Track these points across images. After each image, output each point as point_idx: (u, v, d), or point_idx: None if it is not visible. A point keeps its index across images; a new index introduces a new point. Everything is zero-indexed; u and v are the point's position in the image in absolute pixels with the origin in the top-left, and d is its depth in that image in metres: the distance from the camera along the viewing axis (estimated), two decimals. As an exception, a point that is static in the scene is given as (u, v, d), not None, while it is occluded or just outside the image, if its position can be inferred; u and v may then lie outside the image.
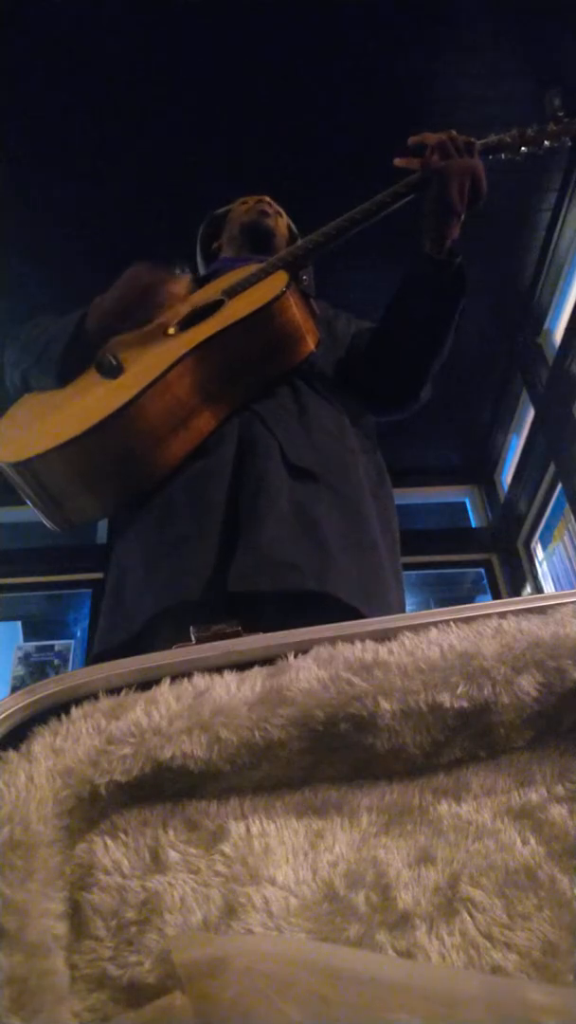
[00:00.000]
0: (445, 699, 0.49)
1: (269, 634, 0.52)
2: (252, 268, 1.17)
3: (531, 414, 4.18)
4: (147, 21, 2.75)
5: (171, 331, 1.10)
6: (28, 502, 1.06)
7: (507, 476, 4.66)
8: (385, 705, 0.48)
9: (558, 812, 0.49)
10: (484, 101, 3.08)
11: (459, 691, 0.49)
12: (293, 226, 1.51)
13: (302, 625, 0.52)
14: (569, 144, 1.18)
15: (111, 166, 3.20)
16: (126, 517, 1.07)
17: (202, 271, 1.50)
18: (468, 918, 0.44)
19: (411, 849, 0.47)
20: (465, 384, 4.35)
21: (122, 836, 0.45)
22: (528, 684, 0.50)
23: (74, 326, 1.12)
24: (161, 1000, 0.37)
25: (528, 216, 3.56)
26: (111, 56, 2.83)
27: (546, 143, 1.22)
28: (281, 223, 1.46)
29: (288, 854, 0.46)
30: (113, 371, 1.06)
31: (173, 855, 0.45)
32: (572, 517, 3.75)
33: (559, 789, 0.50)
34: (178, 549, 0.96)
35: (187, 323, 1.11)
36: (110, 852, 0.44)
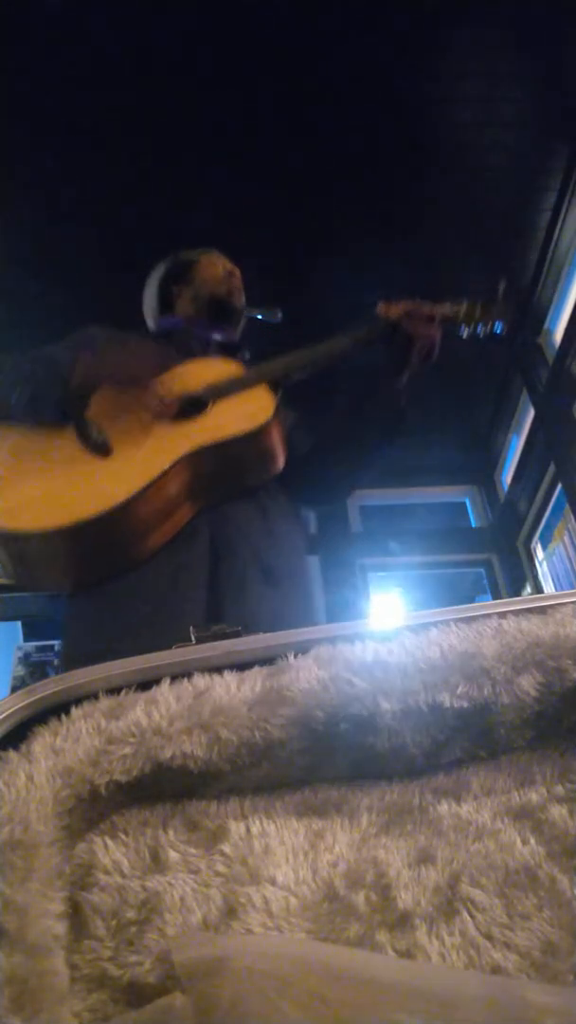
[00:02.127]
0: (445, 699, 0.49)
1: (269, 634, 0.52)
2: (227, 366, 1.24)
3: (531, 414, 4.19)
4: (147, 18, 2.75)
5: (157, 417, 1.14)
6: None
7: (507, 476, 4.66)
8: (385, 705, 0.48)
9: (558, 812, 0.49)
10: (484, 101, 3.08)
11: (459, 691, 0.49)
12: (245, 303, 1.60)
13: None
14: (504, 329, 1.34)
15: (109, 165, 3.20)
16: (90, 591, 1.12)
17: (153, 309, 1.56)
18: (468, 918, 0.44)
19: (411, 849, 0.47)
20: (465, 384, 4.35)
21: (122, 836, 0.45)
22: (528, 684, 0.50)
23: (64, 372, 1.13)
24: (161, 1000, 0.37)
25: (528, 216, 3.56)
26: (111, 53, 2.83)
27: (487, 325, 1.35)
28: (242, 298, 1.55)
29: (288, 854, 0.46)
30: (100, 448, 1.08)
31: (173, 855, 0.45)
32: (572, 517, 3.75)
33: (559, 789, 0.50)
34: (155, 626, 1.01)
35: (176, 414, 1.15)
36: (110, 852, 0.44)
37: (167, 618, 1.02)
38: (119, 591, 1.06)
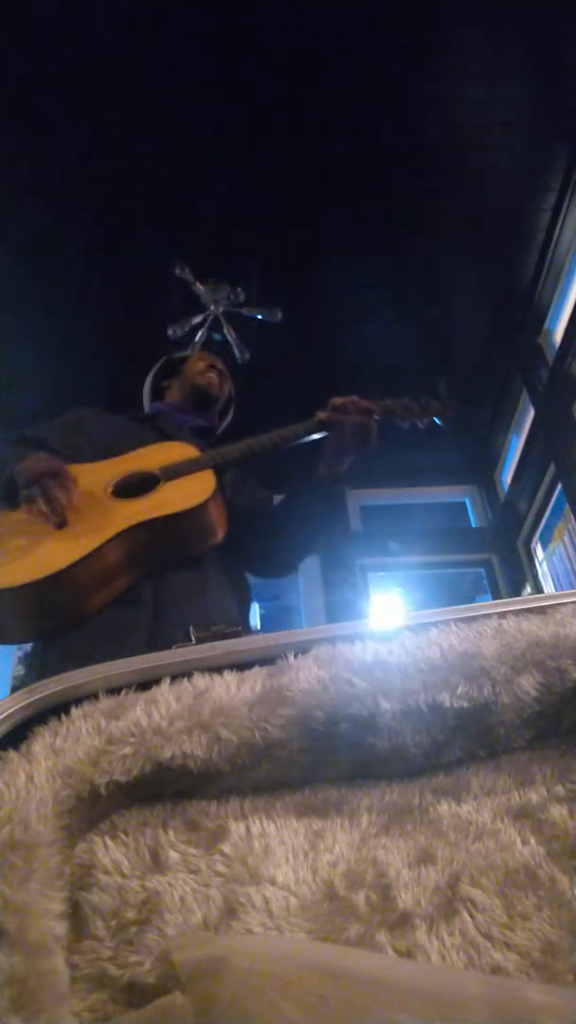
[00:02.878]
0: (445, 699, 0.49)
1: (269, 634, 0.52)
2: (186, 450, 1.39)
3: (531, 414, 4.19)
4: (148, 18, 2.75)
5: (109, 490, 1.31)
6: None
7: (507, 476, 4.66)
8: (385, 705, 0.48)
9: (558, 812, 0.49)
10: (484, 101, 3.08)
11: (459, 691, 0.49)
12: (232, 389, 1.78)
13: None
14: (439, 424, 1.47)
15: (110, 165, 3.20)
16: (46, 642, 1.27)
17: (147, 400, 1.76)
18: (468, 918, 0.43)
19: (411, 849, 0.47)
20: (465, 384, 4.35)
21: (122, 836, 0.45)
22: (528, 684, 0.50)
23: (9, 470, 1.29)
24: (161, 1000, 0.37)
25: (528, 216, 3.56)
26: (111, 53, 2.83)
27: (424, 421, 1.50)
28: (226, 387, 1.73)
29: (288, 854, 0.46)
30: (57, 523, 1.25)
31: (173, 855, 0.44)
32: (572, 517, 3.75)
33: (559, 789, 0.50)
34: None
35: (124, 490, 1.31)
36: (110, 852, 0.44)
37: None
38: (71, 641, 1.21)
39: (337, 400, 1.38)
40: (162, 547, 1.28)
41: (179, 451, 1.39)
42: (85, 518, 1.26)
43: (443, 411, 1.48)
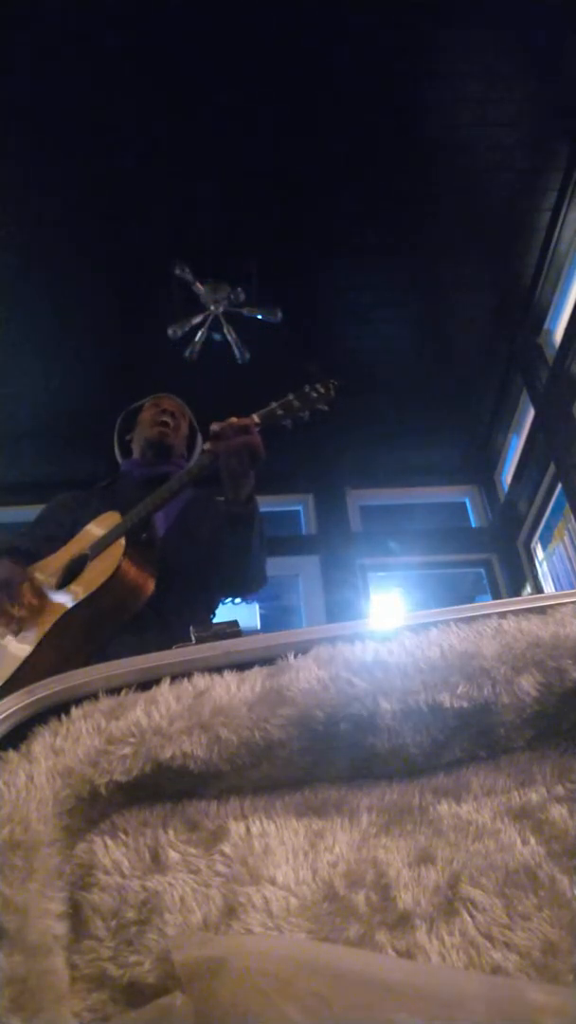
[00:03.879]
0: (445, 699, 0.49)
1: (269, 634, 0.52)
2: (113, 521, 1.43)
3: (531, 414, 4.18)
4: (148, 17, 2.75)
5: (53, 582, 1.41)
6: None
7: (507, 476, 4.66)
8: (385, 705, 0.48)
9: (558, 812, 0.49)
10: (484, 101, 3.08)
11: (459, 691, 0.49)
12: (194, 421, 1.81)
13: None
14: (326, 409, 1.44)
15: (110, 166, 3.20)
16: None
17: (119, 458, 1.81)
18: (468, 918, 0.43)
19: (411, 849, 0.47)
20: (465, 384, 4.35)
21: (122, 836, 0.45)
22: (528, 684, 0.50)
23: None
24: (161, 1000, 0.37)
25: (528, 216, 3.56)
26: (111, 53, 2.83)
27: (307, 412, 1.45)
28: (181, 430, 1.76)
29: (288, 854, 0.46)
30: (15, 628, 1.34)
31: (173, 855, 0.44)
32: (572, 517, 3.75)
33: (559, 789, 0.50)
34: None
35: (64, 578, 1.40)
36: (110, 852, 0.44)
37: None
38: None
39: (215, 426, 1.39)
40: (94, 627, 1.34)
41: (107, 522, 1.45)
42: (32, 621, 1.35)
43: (326, 395, 1.44)
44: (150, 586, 1.38)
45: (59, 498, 1.65)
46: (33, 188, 3.25)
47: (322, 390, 1.43)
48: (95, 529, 1.46)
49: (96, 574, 1.34)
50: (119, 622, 1.35)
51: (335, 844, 0.47)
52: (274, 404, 1.43)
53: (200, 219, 3.40)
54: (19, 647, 1.31)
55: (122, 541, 1.37)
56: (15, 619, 1.34)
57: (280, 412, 1.42)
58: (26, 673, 1.26)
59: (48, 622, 1.32)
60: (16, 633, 1.33)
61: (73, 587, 1.36)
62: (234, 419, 1.39)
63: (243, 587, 1.59)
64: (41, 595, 1.39)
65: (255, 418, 1.39)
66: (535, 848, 0.47)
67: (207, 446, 1.40)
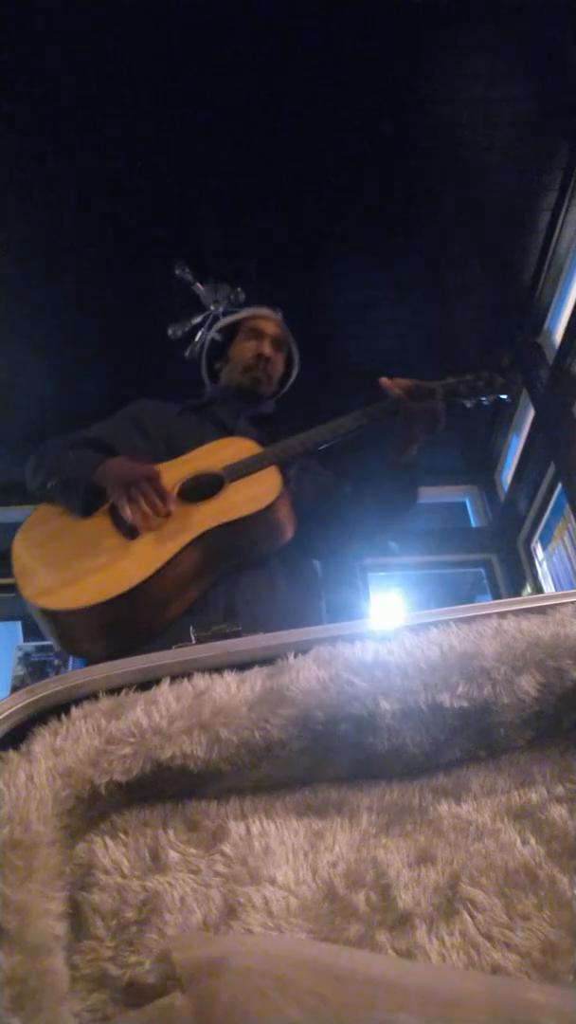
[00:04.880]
0: (445, 699, 0.49)
1: (269, 634, 0.52)
2: (248, 448, 1.34)
3: (531, 414, 4.18)
4: (149, 17, 2.75)
5: (175, 492, 1.28)
6: (41, 628, 1.24)
7: (507, 476, 4.66)
8: (385, 705, 0.48)
9: (558, 812, 0.49)
10: (484, 101, 3.08)
11: (459, 691, 0.49)
12: (295, 352, 1.69)
13: None
14: (507, 399, 1.44)
15: (111, 165, 3.20)
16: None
17: (205, 379, 1.69)
18: (468, 918, 0.43)
19: (411, 849, 0.47)
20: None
21: (122, 836, 0.45)
22: (528, 684, 0.50)
23: (89, 475, 1.27)
24: (161, 1000, 0.37)
25: (528, 216, 3.56)
26: (111, 51, 2.83)
27: (490, 397, 1.44)
28: (278, 367, 1.63)
29: (288, 854, 0.46)
30: (127, 531, 1.22)
31: (173, 855, 0.44)
32: (572, 517, 3.75)
33: (559, 789, 0.50)
34: None
35: (191, 492, 1.28)
36: (110, 852, 0.44)
37: None
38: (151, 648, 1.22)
39: (398, 383, 1.33)
40: (231, 552, 1.26)
41: (240, 448, 1.34)
42: (156, 527, 1.22)
43: (508, 386, 1.42)
44: (289, 533, 1.31)
45: (135, 410, 1.51)
46: (33, 189, 3.25)
47: (503, 385, 1.41)
48: (223, 451, 1.35)
49: (244, 500, 1.25)
50: (246, 558, 1.28)
51: (335, 844, 0.47)
52: (452, 379, 1.39)
53: (200, 219, 3.40)
54: (136, 558, 1.18)
55: (277, 474, 1.29)
56: (162, 514, 1.21)
57: (463, 390, 1.39)
58: (153, 586, 1.16)
59: (183, 535, 1.20)
60: (150, 531, 1.20)
61: (209, 506, 1.25)
62: (418, 381, 1.34)
63: (351, 553, 1.53)
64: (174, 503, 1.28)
65: (438, 388, 1.35)
66: (535, 848, 0.47)
67: (388, 385, 1.33)
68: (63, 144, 3.10)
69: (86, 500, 1.25)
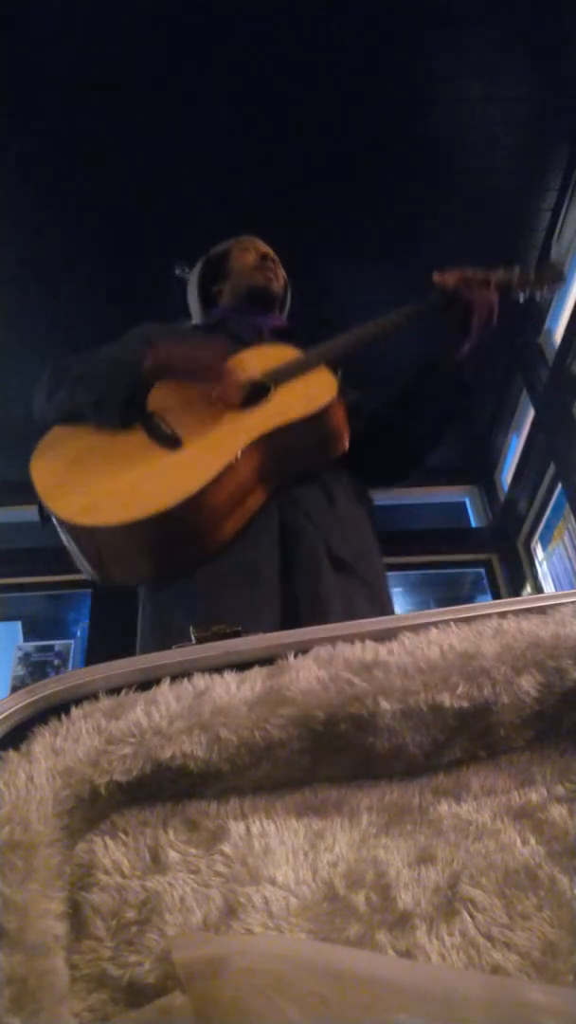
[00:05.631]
0: (445, 699, 0.49)
1: (269, 634, 0.52)
2: (284, 351, 1.24)
3: (531, 414, 4.18)
4: (147, 17, 2.75)
5: (223, 406, 1.16)
6: (69, 548, 1.10)
7: (507, 476, 4.66)
8: (385, 705, 0.48)
9: (558, 812, 0.49)
10: (484, 101, 3.08)
11: (459, 691, 0.49)
12: (285, 274, 1.58)
13: None
14: (553, 293, 1.36)
15: (109, 163, 3.20)
16: (162, 580, 1.13)
17: (198, 312, 1.58)
18: (468, 918, 0.43)
19: (411, 849, 0.47)
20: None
21: (122, 836, 0.45)
22: (528, 684, 0.50)
23: (133, 368, 1.15)
24: (161, 1000, 0.37)
25: (528, 216, 3.56)
26: (110, 52, 2.83)
27: (544, 290, 1.37)
28: (281, 275, 1.54)
29: (288, 854, 0.46)
30: (168, 441, 1.10)
31: (173, 855, 0.45)
32: (572, 517, 3.75)
33: (559, 789, 0.50)
34: (233, 617, 1.02)
35: (241, 402, 1.17)
36: (110, 852, 0.44)
37: (247, 610, 1.03)
38: (200, 583, 1.07)
39: (450, 275, 1.26)
40: (287, 459, 1.15)
41: (279, 353, 1.24)
42: (204, 435, 1.11)
43: (561, 274, 1.34)
44: (345, 441, 1.21)
45: (146, 329, 1.39)
46: (31, 189, 3.25)
47: (555, 274, 1.33)
48: (258, 359, 1.23)
49: (298, 401, 1.14)
50: (302, 467, 1.18)
51: (335, 844, 0.47)
52: (502, 272, 1.30)
53: (200, 219, 3.40)
54: (186, 466, 1.07)
55: (331, 374, 1.19)
56: (226, 407, 1.11)
57: (516, 283, 1.31)
58: (213, 494, 1.04)
59: (237, 440, 1.09)
60: (194, 442, 1.10)
61: (259, 411, 1.14)
62: (468, 270, 1.26)
63: (400, 472, 1.39)
64: (204, 412, 1.15)
65: (492, 277, 1.27)
66: (535, 848, 0.47)
67: (439, 279, 1.25)
68: (62, 144, 3.10)
69: (127, 404, 1.12)
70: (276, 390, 1.17)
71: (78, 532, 1.05)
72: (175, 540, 1.06)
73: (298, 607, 1.06)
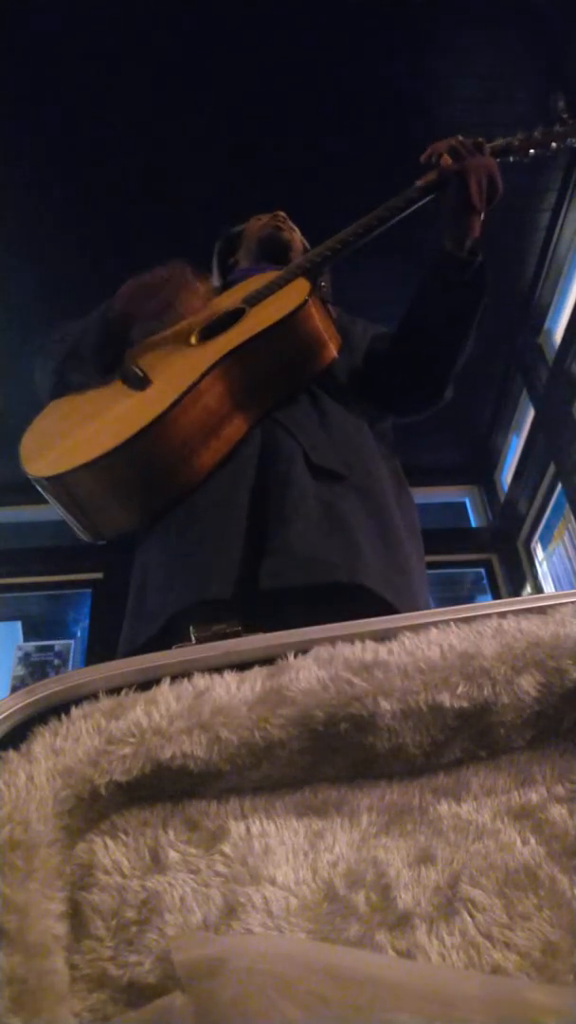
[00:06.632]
0: (445, 699, 0.49)
1: (269, 634, 0.52)
2: (270, 276, 1.19)
3: (531, 414, 4.18)
4: (146, 16, 2.75)
5: (193, 340, 1.13)
6: (60, 513, 1.09)
7: (507, 476, 4.66)
8: (385, 705, 0.48)
9: (558, 812, 0.49)
10: (486, 101, 3.08)
11: (459, 691, 0.49)
12: (306, 242, 1.54)
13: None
14: (574, 145, 1.21)
15: (108, 166, 3.20)
16: (152, 524, 1.10)
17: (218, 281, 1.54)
18: (468, 918, 0.43)
19: (411, 849, 0.47)
20: (465, 384, 4.34)
21: (122, 836, 0.45)
22: (528, 684, 0.50)
23: (101, 313, 1.15)
24: (161, 1000, 0.37)
25: (528, 216, 3.56)
26: (109, 50, 2.83)
27: (553, 145, 1.25)
28: (296, 237, 1.51)
29: (288, 854, 0.46)
30: (139, 382, 1.08)
31: (173, 855, 0.45)
32: (572, 517, 3.75)
33: (559, 789, 0.50)
34: (200, 549, 0.98)
35: (209, 332, 1.13)
36: (110, 852, 0.44)
37: (217, 539, 0.98)
38: (178, 519, 1.03)
39: (440, 145, 1.14)
40: (263, 378, 1.08)
41: (260, 280, 1.19)
42: (172, 370, 1.07)
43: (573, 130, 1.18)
44: (332, 350, 1.11)
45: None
46: (31, 189, 3.25)
47: (552, 131, 1.21)
48: (243, 289, 1.18)
49: (267, 314, 1.08)
50: (287, 385, 1.10)
51: (335, 844, 0.47)
52: (501, 139, 1.18)
53: (200, 219, 3.40)
54: (151, 396, 1.03)
55: (305, 280, 1.11)
56: (189, 297, 1.08)
57: (514, 144, 1.18)
58: (177, 418, 0.99)
59: (204, 362, 1.04)
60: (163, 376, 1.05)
61: (231, 332, 1.08)
62: (461, 137, 1.14)
63: (427, 390, 1.23)
64: (178, 350, 1.11)
65: (484, 143, 1.14)
66: (535, 848, 0.47)
67: (430, 176, 1.14)
68: (62, 144, 3.10)
69: (99, 349, 1.11)
70: (250, 311, 1.12)
71: (52, 486, 1.03)
72: (144, 476, 1.03)
73: (267, 524, 0.97)
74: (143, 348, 1.17)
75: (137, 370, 1.10)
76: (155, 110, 3.02)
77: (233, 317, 1.13)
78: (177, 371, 1.06)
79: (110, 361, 1.13)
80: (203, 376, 1.02)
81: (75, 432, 1.07)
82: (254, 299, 1.14)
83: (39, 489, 1.07)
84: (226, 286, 1.35)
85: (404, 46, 2.90)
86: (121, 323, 1.16)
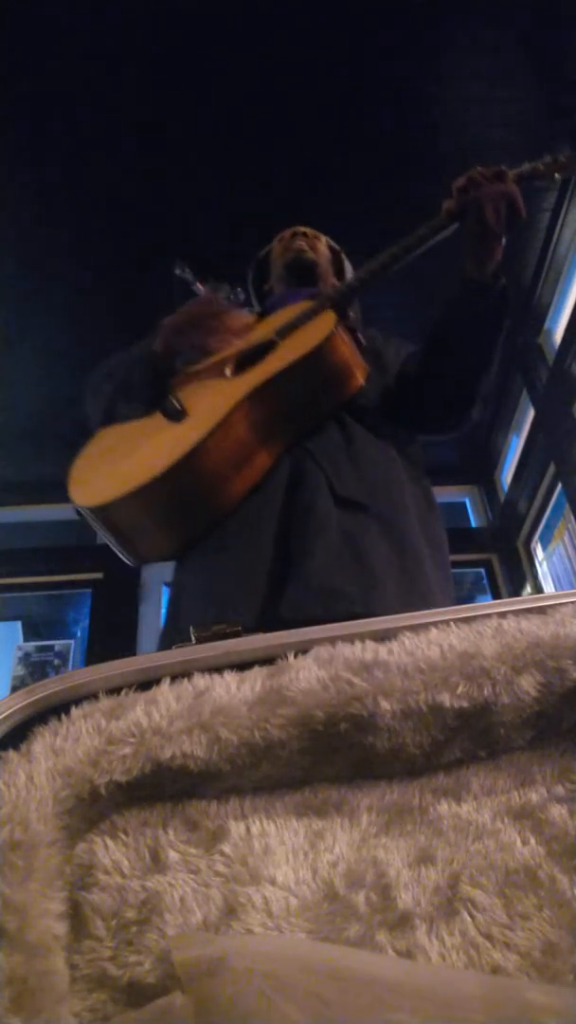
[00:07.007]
0: (445, 699, 0.49)
1: (269, 634, 0.52)
2: (302, 306, 1.24)
3: (531, 414, 4.18)
4: (146, 16, 2.75)
5: (228, 371, 1.19)
6: (104, 539, 1.16)
7: (507, 476, 4.66)
8: (385, 705, 0.48)
9: (558, 812, 0.49)
10: (484, 101, 3.08)
11: (459, 691, 0.49)
12: (333, 243, 1.57)
13: None
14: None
15: (107, 161, 3.20)
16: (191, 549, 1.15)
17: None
18: (468, 918, 0.43)
19: (411, 849, 0.47)
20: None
21: (122, 836, 0.45)
22: (528, 684, 0.50)
23: (146, 351, 1.21)
24: (161, 1000, 0.37)
25: (528, 216, 3.56)
26: (108, 50, 2.83)
27: (564, 173, 1.28)
28: (321, 247, 1.53)
29: (288, 854, 0.46)
30: (177, 415, 1.14)
31: (173, 855, 0.45)
32: (572, 517, 3.75)
33: (559, 789, 0.50)
34: (229, 577, 1.03)
35: (242, 364, 1.19)
36: (110, 852, 0.44)
37: (245, 565, 1.02)
38: (211, 544, 1.08)
39: (459, 180, 1.19)
40: (292, 408, 1.13)
41: (293, 310, 1.24)
42: (207, 402, 1.13)
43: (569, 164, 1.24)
44: (359, 379, 1.16)
45: None
46: (31, 189, 3.25)
47: (567, 159, 1.23)
48: (276, 320, 1.23)
49: (295, 347, 1.13)
50: (314, 415, 1.14)
51: (335, 844, 0.47)
52: (527, 164, 1.23)
53: (200, 219, 3.40)
54: (184, 430, 1.08)
55: (331, 313, 1.16)
56: (235, 336, 1.14)
57: (540, 171, 1.22)
58: (210, 450, 1.05)
59: (233, 396, 1.09)
60: (200, 408, 1.10)
61: (261, 367, 1.14)
62: (480, 167, 1.18)
63: (454, 408, 1.25)
64: (212, 384, 1.16)
65: (506, 169, 1.18)
66: (535, 848, 0.47)
67: (449, 203, 1.20)
68: (62, 144, 3.10)
69: (146, 384, 1.17)
70: (281, 343, 1.17)
71: (95, 515, 1.09)
72: (180, 504, 1.08)
73: (290, 553, 1.02)
74: (183, 379, 1.23)
75: (175, 402, 1.15)
76: (154, 107, 3.02)
77: (265, 349, 1.19)
78: (211, 403, 1.12)
79: (156, 394, 1.19)
80: (234, 409, 1.08)
81: (119, 463, 1.13)
82: (285, 331, 1.19)
83: (86, 518, 1.12)
84: (265, 313, 1.40)
85: (405, 46, 2.90)
86: (165, 359, 1.22)
